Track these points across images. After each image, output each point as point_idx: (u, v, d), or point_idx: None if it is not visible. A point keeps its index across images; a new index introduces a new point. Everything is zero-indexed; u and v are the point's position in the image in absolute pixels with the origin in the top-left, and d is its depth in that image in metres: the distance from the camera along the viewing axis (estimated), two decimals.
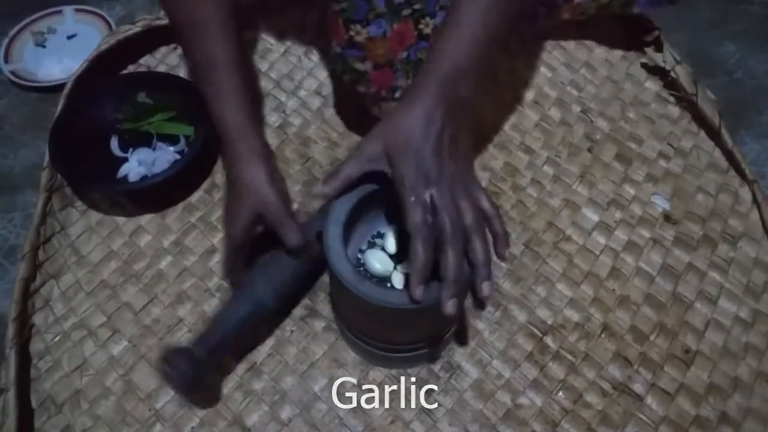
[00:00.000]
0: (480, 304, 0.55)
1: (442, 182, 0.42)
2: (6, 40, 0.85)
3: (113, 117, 0.69)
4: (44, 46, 0.87)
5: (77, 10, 0.90)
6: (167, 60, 0.78)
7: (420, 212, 0.41)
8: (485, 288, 0.42)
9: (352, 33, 0.55)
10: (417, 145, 0.42)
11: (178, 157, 0.69)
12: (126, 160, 0.69)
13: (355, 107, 0.70)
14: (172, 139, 0.70)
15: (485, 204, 0.44)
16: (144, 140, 0.69)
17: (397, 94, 0.60)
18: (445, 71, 0.44)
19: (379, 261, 0.50)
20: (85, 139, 0.66)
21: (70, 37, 0.88)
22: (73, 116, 0.67)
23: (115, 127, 0.69)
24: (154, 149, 0.69)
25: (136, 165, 0.68)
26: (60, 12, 0.90)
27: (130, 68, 0.77)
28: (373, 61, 0.57)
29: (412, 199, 0.41)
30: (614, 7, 0.66)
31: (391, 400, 0.55)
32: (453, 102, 0.44)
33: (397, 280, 0.50)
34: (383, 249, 0.51)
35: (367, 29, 0.54)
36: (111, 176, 0.67)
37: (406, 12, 0.53)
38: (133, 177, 0.67)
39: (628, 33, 0.77)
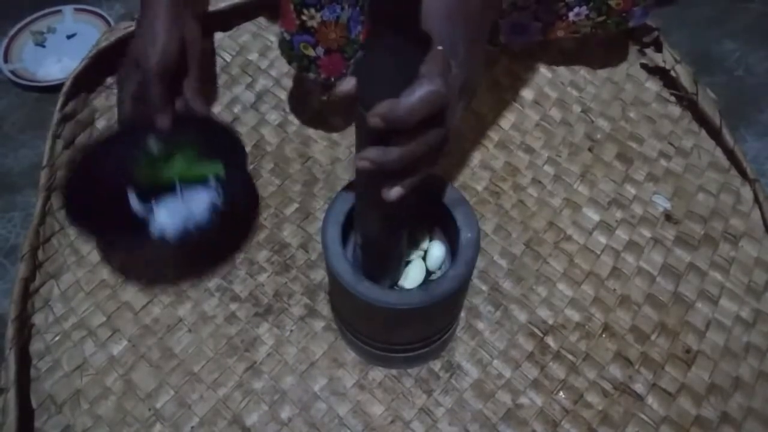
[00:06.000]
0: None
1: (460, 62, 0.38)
2: (5, 40, 0.85)
3: (127, 171, 0.59)
4: (44, 46, 0.87)
5: (76, 10, 0.90)
6: None
7: (443, 62, 0.34)
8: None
9: (304, 17, 0.55)
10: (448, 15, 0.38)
11: (214, 200, 0.58)
12: (151, 215, 0.57)
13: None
14: (200, 183, 0.59)
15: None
16: (169, 190, 0.59)
17: None
18: None
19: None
20: (103, 201, 0.57)
21: (69, 37, 0.88)
22: (83, 181, 0.57)
23: (132, 181, 0.59)
24: (182, 197, 0.59)
25: (169, 219, 0.57)
26: (59, 11, 0.90)
27: None
28: (324, 46, 0.57)
29: (440, 48, 0.35)
30: (609, 26, 0.66)
31: (390, 400, 0.55)
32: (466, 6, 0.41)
33: (406, 281, 0.50)
34: None
35: (320, 13, 0.54)
36: (145, 236, 0.56)
37: None
38: (170, 234, 0.56)
39: (628, 34, 0.77)
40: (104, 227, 0.54)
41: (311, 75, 0.59)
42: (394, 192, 0.37)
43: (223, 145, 0.58)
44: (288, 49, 0.58)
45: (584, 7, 0.64)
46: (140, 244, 0.55)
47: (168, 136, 0.60)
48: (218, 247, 0.58)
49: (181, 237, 0.55)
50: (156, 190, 0.58)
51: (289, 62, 0.59)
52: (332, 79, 0.60)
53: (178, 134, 0.60)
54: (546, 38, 0.69)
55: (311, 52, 0.57)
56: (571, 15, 0.65)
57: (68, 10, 0.90)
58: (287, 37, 0.57)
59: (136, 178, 0.59)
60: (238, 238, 0.59)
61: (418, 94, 0.32)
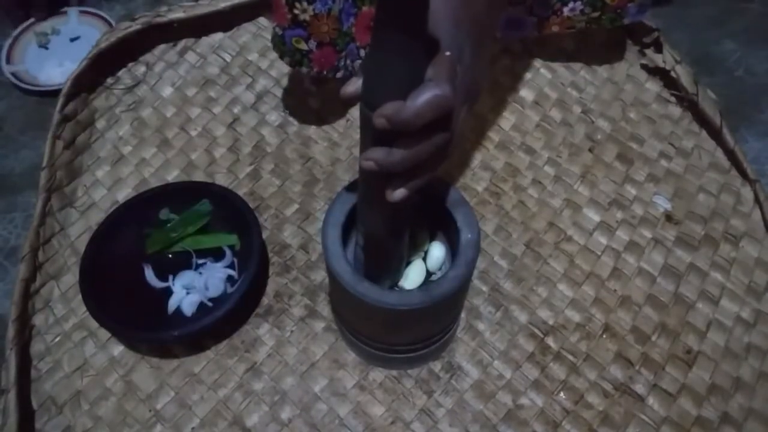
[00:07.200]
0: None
1: (466, 65, 0.38)
2: (9, 41, 0.85)
3: (140, 245, 0.60)
4: (47, 48, 0.87)
5: (81, 12, 0.90)
6: (166, 57, 0.77)
7: (450, 67, 0.34)
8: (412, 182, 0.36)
9: (296, 11, 0.55)
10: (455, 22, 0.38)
11: (231, 272, 0.59)
12: (169, 290, 0.59)
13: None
14: (215, 255, 0.60)
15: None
16: (183, 263, 0.60)
17: (339, 75, 0.60)
18: None
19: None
20: (117, 278, 0.57)
21: (73, 40, 0.88)
22: (96, 260, 0.57)
23: (146, 256, 0.60)
24: (198, 271, 0.60)
25: (184, 294, 0.58)
26: (65, 13, 0.90)
27: (129, 65, 0.76)
28: (317, 39, 0.57)
29: (448, 53, 0.35)
30: (604, 21, 0.66)
31: (391, 401, 0.55)
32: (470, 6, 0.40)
33: (406, 282, 0.50)
34: None
35: (312, 6, 0.54)
36: (161, 313, 0.58)
37: None
38: (187, 308, 0.58)
39: (627, 35, 0.77)
40: (121, 312, 0.54)
41: (304, 69, 0.59)
42: (398, 193, 0.37)
43: (235, 215, 0.58)
44: (280, 44, 0.58)
45: (579, 2, 0.64)
46: (165, 326, 0.54)
47: (181, 208, 0.60)
48: (242, 314, 0.59)
49: (205, 313, 0.55)
50: (171, 264, 0.60)
51: (281, 57, 0.59)
52: (324, 73, 0.60)
53: (192, 206, 0.60)
54: (541, 33, 0.69)
55: (303, 46, 0.57)
56: (565, 10, 0.65)
57: (74, 12, 0.90)
58: (279, 31, 0.57)
59: (150, 251, 0.59)
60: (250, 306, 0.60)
61: (424, 97, 0.32)
